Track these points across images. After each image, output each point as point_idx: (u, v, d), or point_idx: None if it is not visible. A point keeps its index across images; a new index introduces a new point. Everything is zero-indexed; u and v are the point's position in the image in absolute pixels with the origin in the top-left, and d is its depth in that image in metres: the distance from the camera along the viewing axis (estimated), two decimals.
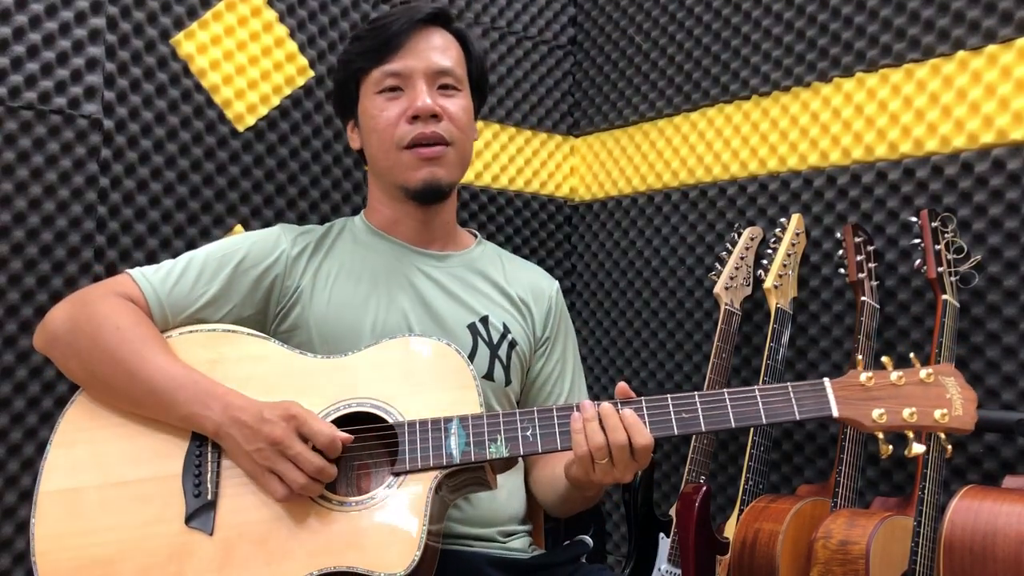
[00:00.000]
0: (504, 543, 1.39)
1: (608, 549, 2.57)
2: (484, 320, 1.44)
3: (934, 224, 1.85)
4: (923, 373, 1.18)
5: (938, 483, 1.72)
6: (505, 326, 1.46)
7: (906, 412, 1.15)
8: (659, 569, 2.10)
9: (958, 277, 1.87)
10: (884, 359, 1.23)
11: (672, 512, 2.12)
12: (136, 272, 1.34)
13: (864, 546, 1.67)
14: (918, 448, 1.16)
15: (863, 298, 1.95)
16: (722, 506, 2.33)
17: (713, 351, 2.16)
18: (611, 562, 2.55)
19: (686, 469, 2.14)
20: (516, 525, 1.43)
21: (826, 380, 1.18)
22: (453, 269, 1.48)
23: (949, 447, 1.23)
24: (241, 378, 1.23)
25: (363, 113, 1.45)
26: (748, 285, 2.26)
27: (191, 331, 1.30)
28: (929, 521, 1.67)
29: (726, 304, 2.20)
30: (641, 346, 2.62)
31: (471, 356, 1.39)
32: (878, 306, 2.00)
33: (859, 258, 1.98)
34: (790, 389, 1.17)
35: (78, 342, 1.25)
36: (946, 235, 1.86)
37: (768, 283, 2.11)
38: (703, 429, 1.17)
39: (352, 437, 1.17)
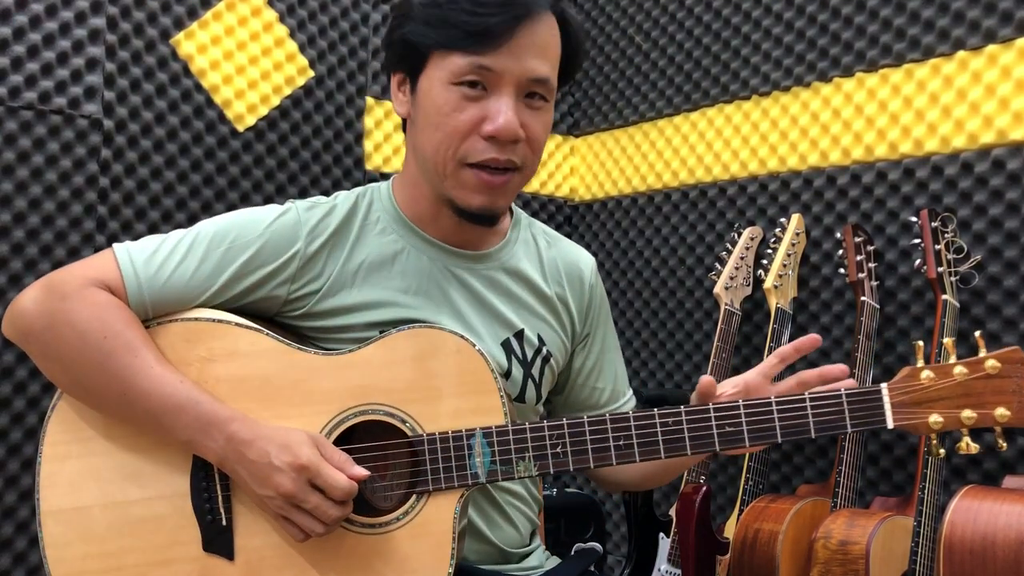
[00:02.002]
0: (520, 563, 1.36)
1: (608, 549, 2.57)
2: (519, 335, 1.32)
3: (934, 224, 1.85)
4: (989, 364, 1.06)
5: (938, 483, 1.72)
6: (540, 338, 1.34)
7: (965, 415, 1.06)
8: (659, 569, 2.10)
9: (958, 277, 1.87)
10: (946, 342, 1.12)
11: (672, 512, 2.12)
12: (122, 253, 1.17)
13: (864, 546, 1.67)
14: (972, 446, 1.07)
15: (863, 298, 1.95)
16: (722, 506, 2.33)
17: (713, 351, 2.16)
18: (611, 562, 2.55)
19: (686, 469, 2.14)
20: (529, 546, 1.40)
21: (883, 387, 1.07)
22: (489, 271, 1.32)
23: (1003, 444, 1.08)
24: (237, 379, 1.15)
25: (428, 94, 1.20)
26: (748, 285, 2.26)
27: (173, 320, 1.16)
28: (929, 521, 1.67)
29: (726, 304, 2.20)
30: (641, 346, 2.62)
31: (505, 376, 1.28)
32: (878, 306, 2.00)
33: (859, 258, 1.97)
34: (844, 398, 1.07)
35: (60, 346, 1.14)
36: (946, 235, 1.86)
37: (768, 283, 2.11)
38: (747, 445, 1.08)
39: (369, 473, 1.10)
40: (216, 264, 1.19)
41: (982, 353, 1.08)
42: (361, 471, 1.08)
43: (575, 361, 1.42)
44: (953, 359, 1.08)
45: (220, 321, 1.17)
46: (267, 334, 1.17)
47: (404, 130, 1.32)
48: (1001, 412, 1.05)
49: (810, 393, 1.08)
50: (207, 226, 1.22)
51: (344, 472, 1.08)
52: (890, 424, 1.07)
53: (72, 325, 1.13)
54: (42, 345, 1.16)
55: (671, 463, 1.33)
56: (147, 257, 1.17)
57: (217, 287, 1.19)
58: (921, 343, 1.13)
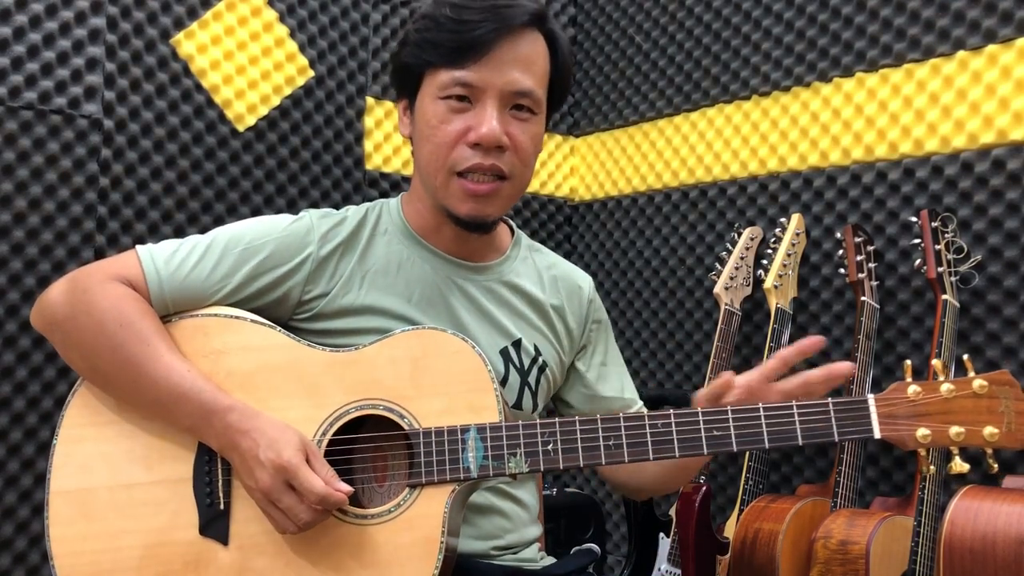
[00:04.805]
0: (516, 555, 1.38)
1: (608, 549, 2.57)
2: (517, 344, 1.37)
3: (934, 224, 1.85)
4: (976, 384, 1.07)
5: (938, 483, 1.72)
6: (536, 348, 1.38)
7: (953, 431, 1.06)
8: (659, 569, 2.10)
9: (958, 277, 1.87)
10: (935, 363, 1.13)
11: (672, 512, 2.12)
12: (145, 253, 1.24)
13: (864, 546, 1.67)
14: (962, 466, 1.08)
15: (863, 298, 1.95)
16: (722, 506, 2.33)
17: (713, 351, 2.16)
18: (611, 562, 2.55)
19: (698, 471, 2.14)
20: (526, 548, 1.41)
21: (870, 398, 1.09)
22: (489, 283, 1.38)
23: (995, 465, 1.09)
24: (247, 371, 1.20)
25: (421, 110, 1.29)
26: (748, 285, 2.26)
27: (192, 315, 1.24)
28: (929, 521, 1.67)
29: (726, 304, 2.20)
30: (641, 346, 2.62)
31: (502, 383, 1.31)
32: (878, 306, 2.00)
33: (859, 258, 1.98)
34: (831, 407, 1.09)
35: (80, 334, 1.20)
36: (946, 235, 1.86)
37: (768, 283, 2.11)
38: (734, 449, 1.11)
39: (352, 490, 1.12)
40: (232, 264, 1.26)
41: (970, 374, 1.09)
42: (344, 487, 1.11)
43: (578, 371, 1.46)
44: (942, 378, 1.09)
45: (236, 317, 1.24)
46: (279, 331, 1.24)
47: (413, 154, 1.40)
48: (990, 431, 1.06)
49: (797, 401, 1.10)
50: (224, 231, 1.29)
51: (327, 483, 1.10)
52: (876, 434, 1.08)
53: (91, 314, 1.19)
54: (64, 334, 1.22)
55: (683, 464, 1.35)
56: (167, 256, 1.25)
57: (233, 286, 1.26)
58: (909, 362, 1.15)
